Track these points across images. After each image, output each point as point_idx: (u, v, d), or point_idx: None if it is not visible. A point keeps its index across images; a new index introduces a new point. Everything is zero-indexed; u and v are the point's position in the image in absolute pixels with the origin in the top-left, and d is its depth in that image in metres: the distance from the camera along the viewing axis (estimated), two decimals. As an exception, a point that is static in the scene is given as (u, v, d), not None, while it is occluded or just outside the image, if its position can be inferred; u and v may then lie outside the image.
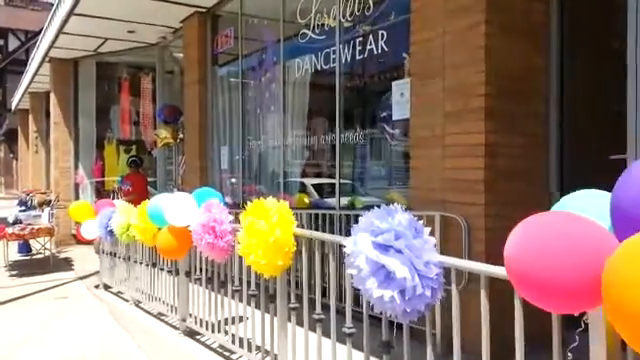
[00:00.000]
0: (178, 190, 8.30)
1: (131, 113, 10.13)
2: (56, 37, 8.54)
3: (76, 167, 10.53)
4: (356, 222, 1.88)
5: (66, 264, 8.42)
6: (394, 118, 3.98)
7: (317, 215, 4.48)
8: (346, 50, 4.54)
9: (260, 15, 6.32)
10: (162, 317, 4.72)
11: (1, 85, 24.19)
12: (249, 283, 3.13)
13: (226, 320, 3.50)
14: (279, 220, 2.50)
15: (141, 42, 8.93)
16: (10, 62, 22.53)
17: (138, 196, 7.92)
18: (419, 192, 3.51)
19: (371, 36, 4.26)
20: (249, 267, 2.72)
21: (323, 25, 4.83)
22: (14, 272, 7.59)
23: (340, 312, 2.44)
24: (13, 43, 24.05)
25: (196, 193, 3.83)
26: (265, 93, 6.06)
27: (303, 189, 5.89)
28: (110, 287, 6.35)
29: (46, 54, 9.92)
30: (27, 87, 13.94)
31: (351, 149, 4.77)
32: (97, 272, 7.38)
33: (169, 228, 3.73)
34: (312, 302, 2.53)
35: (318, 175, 5.78)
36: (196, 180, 7.24)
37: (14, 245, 8.55)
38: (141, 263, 5.12)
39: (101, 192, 10.22)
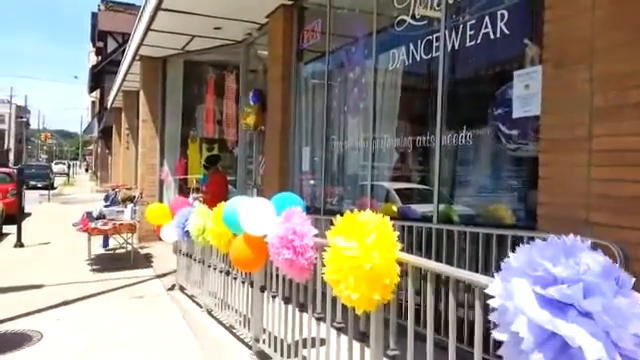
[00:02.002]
0: (257, 190, 7.99)
1: (215, 112, 10.04)
2: (145, 34, 8.58)
3: (161, 164, 10.63)
4: (461, 240, 1.25)
5: (146, 261, 8.40)
6: (514, 116, 3.26)
7: (404, 227, 3.81)
8: (453, 36, 3.87)
9: (351, 6, 5.79)
10: (234, 330, 4.32)
11: (100, 85, 25.75)
12: (335, 309, 2.58)
13: (304, 343, 2.98)
14: (377, 241, 1.92)
15: (227, 39, 8.75)
16: (108, 63, 23.85)
17: (211, 196, 7.70)
18: (552, 209, 2.77)
19: (487, 18, 3.56)
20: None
21: (425, 8, 4.18)
22: (96, 266, 7.64)
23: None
24: (112, 45, 25.46)
25: (276, 199, 3.35)
26: (353, 89, 5.52)
27: (386, 194, 5.27)
28: (185, 289, 6.12)
29: (136, 52, 10.08)
30: (120, 85, 14.49)
31: (451, 152, 4.08)
32: (174, 271, 7.24)
33: (245, 237, 3.28)
34: (421, 349, 1.92)
35: (408, 180, 5.11)
36: (275, 181, 6.86)
37: (98, 240, 8.68)
38: (215, 269, 4.76)
39: (184, 189, 10.22)
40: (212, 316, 4.92)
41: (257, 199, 3.29)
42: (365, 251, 1.89)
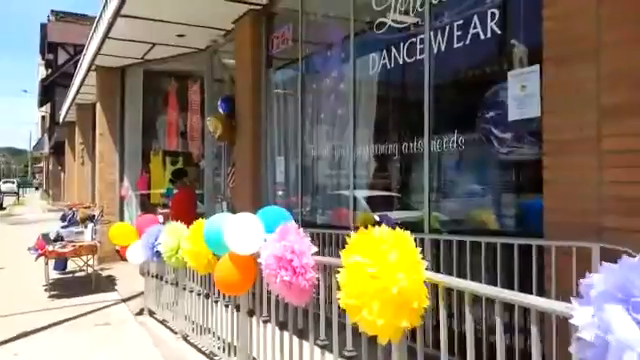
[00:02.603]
0: (227, 203, 7.64)
1: (178, 123, 9.63)
2: (102, 42, 8.13)
3: (121, 179, 10.11)
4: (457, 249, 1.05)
5: (109, 283, 7.89)
6: (510, 118, 3.13)
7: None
8: (439, 38, 3.73)
9: (325, 10, 5.60)
10: (215, 357, 4.00)
11: (51, 99, 24.59)
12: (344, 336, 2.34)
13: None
14: (401, 260, 1.70)
15: (190, 47, 8.42)
16: (59, 76, 22.81)
17: (178, 212, 7.27)
18: (558, 215, 2.64)
19: (476, 17, 3.43)
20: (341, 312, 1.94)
21: (407, 11, 4.03)
22: (54, 292, 7.09)
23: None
24: (62, 57, 24.39)
25: (262, 213, 3.09)
26: (330, 96, 5.33)
27: (367, 203, 5.08)
28: (154, 313, 5.72)
29: (92, 62, 9.57)
30: (74, 98, 13.82)
31: (441, 158, 3.93)
32: (141, 293, 6.80)
33: (231, 256, 3.00)
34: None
35: (393, 188, 4.94)
36: (247, 193, 6.57)
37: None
38: (191, 291, 4.42)
39: (147, 205, 9.73)
40: (189, 342, 4.57)
41: (242, 215, 3.01)
42: (390, 271, 1.66)
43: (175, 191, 8.64)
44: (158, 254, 4.94)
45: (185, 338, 4.64)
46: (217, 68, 8.49)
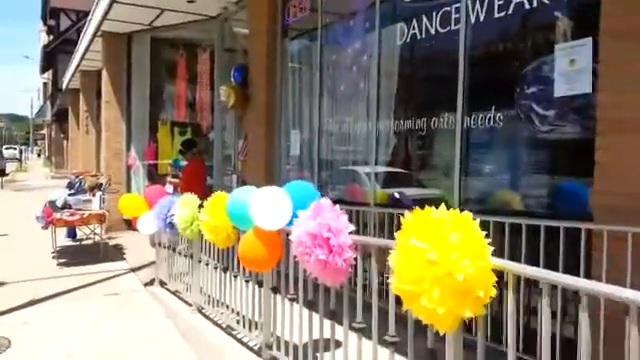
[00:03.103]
0: (237, 177, 7.49)
1: (187, 93, 9.40)
2: (109, 7, 7.86)
3: (128, 149, 9.93)
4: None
5: (117, 253, 7.82)
6: (556, 94, 2.95)
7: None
8: (477, 6, 3.51)
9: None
10: (233, 331, 3.91)
11: (53, 65, 24.22)
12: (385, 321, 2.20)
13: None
14: (463, 243, 1.56)
15: (200, 14, 8.13)
16: (61, 42, 22.41)
17: (188, 183, 7.13)
18: (611, 198, 2.49)
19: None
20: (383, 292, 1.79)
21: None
22: (62, 260, 7.01)
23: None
24: (65, 23, 23.96)
25: (289, 187, 2.95)
26: (352, 67, 5.12)
27: (385, 180, 4.93)
28: (166, 283, 5.65)
29: (98, 27, 9.28)
30: (78, 64, 13.52)
31: (474, 135, 3.73)
32: (151, 263, 6.72)
33: (256, 232, 2.87)
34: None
35: (421, 166, 4.76)
36: (260, 167, 6.41)
37: (62, 230, 7.99)
38: (207, 264, 4.32)
39: (154, 175, 9.59)
40: (204, 315, 4.48)
41: (269, 189, 2.87)
42: (452, 257, 1.52)
43: (183, 162, 8.52)
44: (171, 225, 4.83)
45: (200, 310, 4.55)
46: (228, 37, 8.23)
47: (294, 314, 2.89)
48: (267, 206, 2.73)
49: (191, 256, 4.61)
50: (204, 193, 4.24)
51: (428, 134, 4.22)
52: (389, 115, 4.52)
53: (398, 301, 1.77)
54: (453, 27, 3.71)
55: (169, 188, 7.28)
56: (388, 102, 4.62)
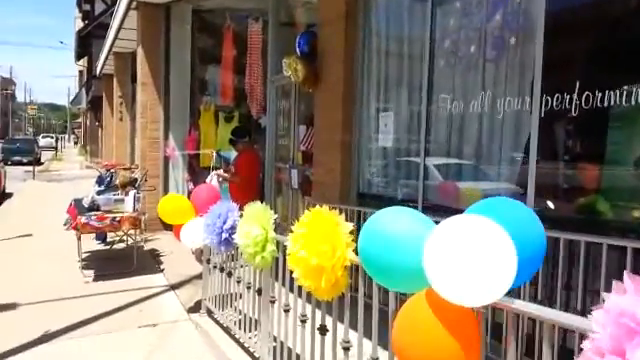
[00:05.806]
0: (298, 171, 6.09)
1: (234, 71, 8.01)
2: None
3: (166, 137, 8.67)
4: None
5: (153, 260, 6.58)
6: None
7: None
8: None
9: None
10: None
11: (87, 51, 23.38)
12: None
13: None
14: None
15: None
16: (96, 26, 21.47)
17: (244, 179, 5.85)
18: None
19: None
20: None
21: None
22: (89, 271, 5.78)
23: None
24: (100, 7, 23.11)
25: (498, 213, 1.49)
26: (487, 24, 3.60)
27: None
28: (213, 313, 4.34)
29: (134, -4, 8.02)
30: (111, 45, 12.38)
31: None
32: (193, 278, 5.46)
33: (433, 305, 1.42)
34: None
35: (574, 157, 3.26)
36: (334, 160, 5.00)
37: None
38: (287, 310, 2.90)
39: (194, 168, 8.30)
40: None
41: (471, 221, 1.41)
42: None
43: (228, 153, 7.18)
44: (227, 243, 3.49)
45: (270, 368, 3.18)
46: (283, 6, 6.82)
47: None
48: (472, 260, 1.28)
49: (258, 292, 3.22)
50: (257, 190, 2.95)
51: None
52: (559, 88, 3.00)
53: None
54: None
55: (214, 180, 5.93)
56: (551, 75, 3.09)
